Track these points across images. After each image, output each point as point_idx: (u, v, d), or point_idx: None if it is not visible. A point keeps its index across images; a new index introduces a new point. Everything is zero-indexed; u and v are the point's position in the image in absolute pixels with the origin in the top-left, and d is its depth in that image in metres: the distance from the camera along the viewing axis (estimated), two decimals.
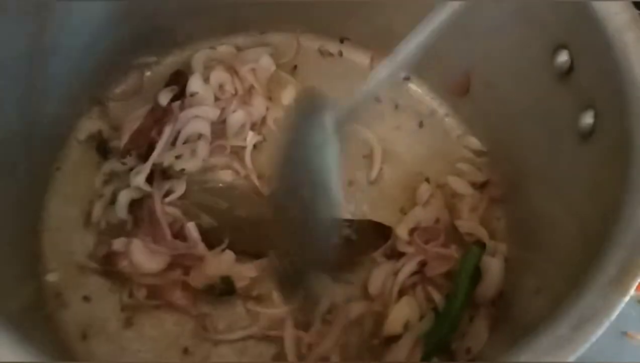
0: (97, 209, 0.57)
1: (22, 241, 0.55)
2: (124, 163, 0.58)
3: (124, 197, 0.57)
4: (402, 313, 0.52)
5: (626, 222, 0.37)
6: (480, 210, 0.58)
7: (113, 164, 0.59)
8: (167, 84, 0.62)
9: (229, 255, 0.55)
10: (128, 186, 0.57)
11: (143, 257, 0.54)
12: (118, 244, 0.55)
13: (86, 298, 0.55)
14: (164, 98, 0.60)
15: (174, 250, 0.54)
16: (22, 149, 0.54)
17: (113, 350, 0.53)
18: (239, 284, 0.54)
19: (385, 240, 0.56)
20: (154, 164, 0.57)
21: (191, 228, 0.55)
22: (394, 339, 0.52)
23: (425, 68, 0.66)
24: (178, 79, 0.62)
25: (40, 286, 0.54)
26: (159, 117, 0.58)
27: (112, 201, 0.57)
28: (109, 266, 0.54)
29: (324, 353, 0.51)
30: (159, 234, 0.55)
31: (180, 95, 0.61)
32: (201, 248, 0.55)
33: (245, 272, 0.55)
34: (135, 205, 0.57)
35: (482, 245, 0.55)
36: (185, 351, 0.53)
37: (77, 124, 0.62)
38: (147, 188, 0.56)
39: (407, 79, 0.67)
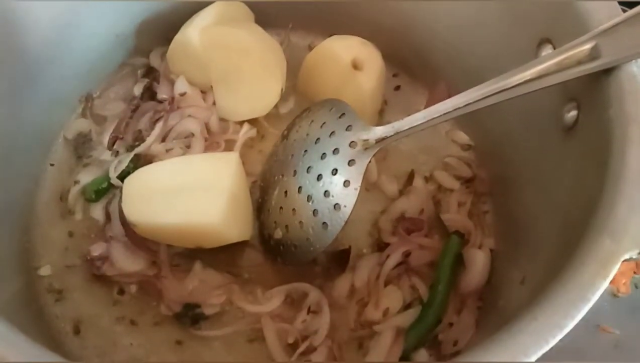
0: (72, 196, 0.59)
1: (14, 236, 0.55)
2: (112, 152, 0.60)
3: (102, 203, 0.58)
4: (383, 301, 0.53)
5: (606, 212, 0.38)
6: (468, 204, 0.59)
7: (93, 156, 0.61)
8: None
9: (194, 277, 0.55)
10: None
11: (125, 259, 0.54)
12: (97, 249, 0.55)
13: (78, 293, 0.55)
14: (136, 89, 0.64)
15: (151, 254, 0.55)
16: (14, 146, 0.55)
17: (105, 344, 0.53)
18: (208, 311, 0.54)
19: (346, 261, 0.56)
20: (141, 157, 0.59)
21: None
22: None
23: (413, 66, 0.67)
24: (149, 75, 0.65)
25: (33, 281, 0.55)
26: (136, 106, 0.63)
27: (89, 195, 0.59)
28: (93, 270, 0.55)
29: (311, 344, 0.51)
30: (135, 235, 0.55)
31: (152, 89, 0.64)
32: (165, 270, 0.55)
33: (214, 299, 0.54)
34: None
35: (461, 234, 0.56)
36: (179, 343, 0.53)
37: (66, 123, 0.63)
38: (117, 183, 0.57)
39: (396, 75, 0.68)
